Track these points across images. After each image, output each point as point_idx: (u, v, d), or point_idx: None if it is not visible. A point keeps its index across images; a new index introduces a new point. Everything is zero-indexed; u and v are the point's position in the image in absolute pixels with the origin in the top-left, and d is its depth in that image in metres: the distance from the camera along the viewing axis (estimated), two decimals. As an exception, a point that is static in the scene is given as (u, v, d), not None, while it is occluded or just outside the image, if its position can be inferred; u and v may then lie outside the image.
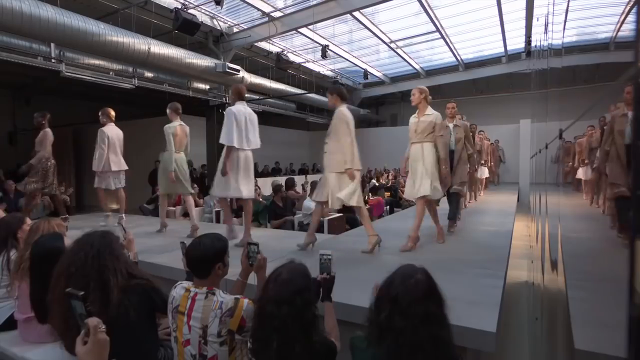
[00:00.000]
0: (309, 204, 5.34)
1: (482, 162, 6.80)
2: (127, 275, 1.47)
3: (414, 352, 1.05)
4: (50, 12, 5.17)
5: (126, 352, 1.36)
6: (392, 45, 10.60)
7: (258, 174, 11.79)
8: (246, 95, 3.57)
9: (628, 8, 0.66)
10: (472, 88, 13.43)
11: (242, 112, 3.38)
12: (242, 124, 3.35)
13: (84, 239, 1.50)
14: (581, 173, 1.28)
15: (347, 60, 11.58)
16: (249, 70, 9.41)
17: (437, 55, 12.00)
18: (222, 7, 7.02)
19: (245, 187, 3.41)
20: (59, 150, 11.16)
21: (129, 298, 1.41)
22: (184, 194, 4.26)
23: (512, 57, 11.61)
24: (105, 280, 1.40)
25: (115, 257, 1.47)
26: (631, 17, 0.61)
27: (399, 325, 1.07)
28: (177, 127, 4.09)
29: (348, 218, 5.67)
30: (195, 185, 6.85)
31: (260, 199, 5.93)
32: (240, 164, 3.38)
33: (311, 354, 1.21)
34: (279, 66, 9.55)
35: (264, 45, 9.64)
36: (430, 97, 3.37)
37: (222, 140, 3.29)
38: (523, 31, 9.37)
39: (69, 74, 6.73)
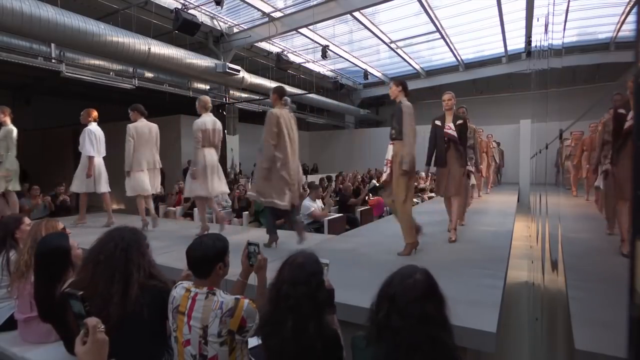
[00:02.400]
0: (308, 204, 5.34)
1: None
2: (148, 274, 1.51)
3: (411, 351, 1.05)
4: (51, 13, 5.18)
5: (133, 349, 1.38)
6: (392, 45, 10.62)
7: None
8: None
9: (628, 8, 0.66)
10: (472, 88, 13.44)
11: (94, 131, 4.51)
12: (94, 140, 4.47)
13: (115, 231, 1.54)
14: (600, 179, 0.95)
15: (347, 60, 11.59)
16: (249, 70, 9.42)
17: (437, 55, 12.02)
18: (222, 8, 7.03)
19: (101, 185, 4.57)
20: (59, 151, 11.21)
21: (144, 296, 1.44)
22: (13, 189, 4.68)
23: (512, 57, 11.63)
24: (128, 274, 1.44)
25: (141, 253, 1.52)
26: (631, 17, 0.61)
27: (397, 324, 1.08)
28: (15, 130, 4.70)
29: (348, 218, 5.67)
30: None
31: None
32: (95, 169, 4.50)
33: (322, 336, 1.27)
34: (279, 66, 9.56)
35: (264, 45, 9.65)
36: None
37: (87, 153, 4.40)
38: (523, 31, 9.39)
39: (69, 74, 6.74)
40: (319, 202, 5.58)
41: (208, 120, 3.81)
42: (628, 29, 0.65)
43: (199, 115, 3.87)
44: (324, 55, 9.38)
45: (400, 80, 3.15)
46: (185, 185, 4.07)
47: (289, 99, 3.58)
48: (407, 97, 3.06)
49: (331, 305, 1.56)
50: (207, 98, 3.97)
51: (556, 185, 1.95)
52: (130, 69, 7.79)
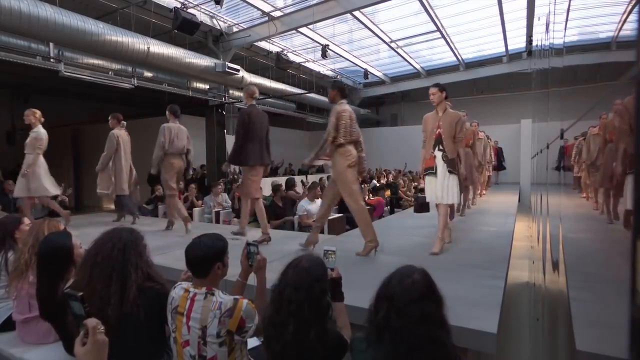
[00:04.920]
0: (305, 205, 5.32)
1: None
2: (146, 275, 1.51)
3: (411, 352, 1.05)
4: (49, 12, 5.16)
5: (132, 350, 1.38)
6: (393, 44, 10.60)
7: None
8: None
9: (629, 7, 0.66)
10: (472, 88, 13.43)
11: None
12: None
13: (113, 232, 1.55)
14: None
15: (347, 60, 11.57)
16: (249, 70, 9.40)
17: (438, 54, 12.00)
18: (221, 7, 7.02)
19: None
20: (58, 150, 11.20)
21: (141, 298, 1.44)
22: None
23: (513, 56, 11.61)
24: (126, 275, 1.44)
25: (138, 254, 1.51)
26: (633, 17, 0.61)
27: (396, 325, 1.08)
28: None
29: (348, 218, 5.66)
30: (193, 186, 6.86)
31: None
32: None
33: (324, 341, 1.26)
34: (279, 66, 9.54)
35: (263, 44, 9.64)
36: None
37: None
38: (524, 30, 9.37)
39: (68, 74, 6.72)
40: (318, 202, 5.54)
41: (43, 131, 4.58)
42: (629, 29, 0.64)
43: (30, 127, 4.48)
44: (324, 55, 9.37)
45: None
46: (22, 183, 4.52)
47: (125, 123, 4.78)
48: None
49: (339, 292, 1.58)
50: (39, 112, 4.63)
51: (559, 185, 1.94)
52: (130, 69, 7.76)
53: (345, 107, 3.12)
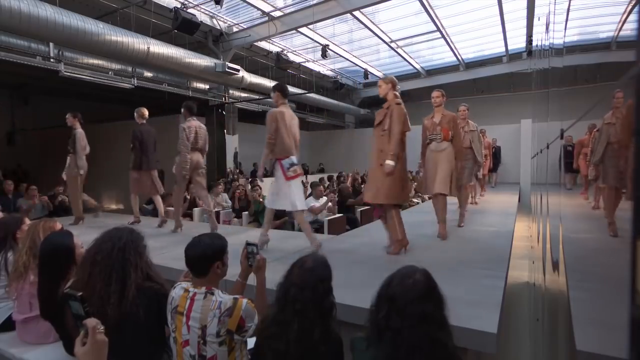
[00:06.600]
0: (312, 202, 5.32)
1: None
2: (145, 275, 1.51)
3: (411, 352, 1.05)
4: (49, 12, 5.17)
5: (131, 350, 1.38)
6: (393, 44, 10.60)
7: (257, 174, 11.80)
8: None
9: (629, 7, 0.66)
10: (472, 88, 13.43)
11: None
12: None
13: (113, 231, 1.55)
14: None
15: (347, 60, 11.58)
16: (249, 70, 9.41)
17: (438, 54, 12.01)
18: (221, 7, 7.02)
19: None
20: (58, 150, 11.21)
21: (140, 298, 1.44)
22: None
23: (513, 56, 11.61)
24: (125, 275, 1.44)
25: (139, 254, 1.52)
26: (633, 17, 0.61)
27: (396, 325, 1.08)
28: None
29: (348, 218, 5.67)
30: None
31: (261, 199, 5.92)
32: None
33: (327, 341, 1.28)
34: (279, 66, 9.55)
35: (263, 44, 9.64)
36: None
37: None
38: (524, 30, 9.38)
39: (68, 74, 6.72)
40: (322, 201, 5.55)
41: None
42: (629, 28, 0.64)
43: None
44: (324, 55, 9.37)
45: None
46: None
47: None
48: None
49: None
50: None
51: (559, 185, 1.94)
52: (130, 69, 7.77)
53: (190, 124, 4.10)
